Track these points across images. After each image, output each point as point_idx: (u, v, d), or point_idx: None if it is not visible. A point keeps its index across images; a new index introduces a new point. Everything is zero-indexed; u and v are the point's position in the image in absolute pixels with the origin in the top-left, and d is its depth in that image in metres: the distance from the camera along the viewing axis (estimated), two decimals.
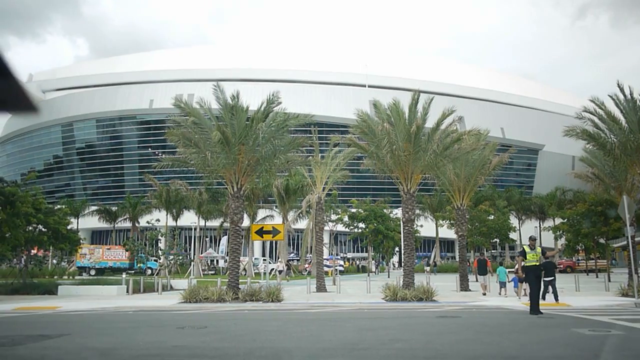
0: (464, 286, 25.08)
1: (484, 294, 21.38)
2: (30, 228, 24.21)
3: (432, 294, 18.82)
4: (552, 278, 18.26)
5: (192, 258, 56.02)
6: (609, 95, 21.41)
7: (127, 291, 24.42)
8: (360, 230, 43.99)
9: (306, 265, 54.76)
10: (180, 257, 35.41)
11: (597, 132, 21.50)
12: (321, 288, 25.37)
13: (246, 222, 52.19)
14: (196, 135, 19.17)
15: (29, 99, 1.59)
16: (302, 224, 51.41)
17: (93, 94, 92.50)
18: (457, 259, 28.18)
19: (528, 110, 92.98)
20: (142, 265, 53.49)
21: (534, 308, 13.08)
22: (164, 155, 78.71)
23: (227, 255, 58.71)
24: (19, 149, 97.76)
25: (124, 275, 26.98)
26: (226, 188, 19.89)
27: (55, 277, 41.12)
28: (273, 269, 49.11)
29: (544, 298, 17.95)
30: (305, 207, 26.77)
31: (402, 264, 20.50)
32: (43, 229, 25.04)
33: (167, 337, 9.27)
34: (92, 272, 54.14)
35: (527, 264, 13.50)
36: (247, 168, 19.66)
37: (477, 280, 23.44)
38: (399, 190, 20.99)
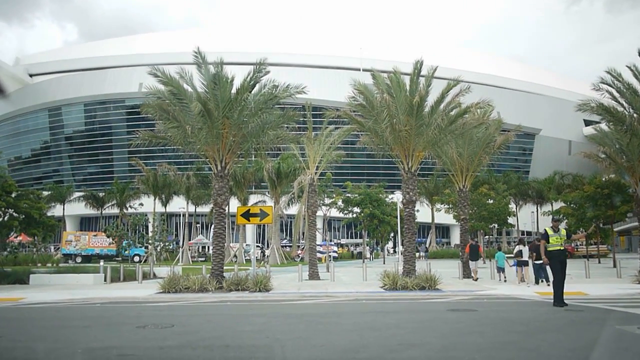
0: (467, 273, 23.44)
1: (475, 279, 20.91)
2: None
3: (435, 282, 17.13)
4: (541, 262, 17.35)
5: (182, 245, 54.28)
6: (627, 67, 19.65)
7: (105, 280, 22.62)
8: (355, 215, 42.27)
9: (299, 252, 53.12)
10: (167, 244, 33.62)
11: (613, 105, 19.73)
12: (314, 275, 23.67)
13: (233, 208, 50.49)
14: (175, 107, 17.24)
15: None
16: (295, 210, 49.73)
17: (81, 78, 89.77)
18: (460, 244, 26.40)
19: (524, 94, 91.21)
20: (128, 252, 51.86)
21: (558, 298, 11.40)
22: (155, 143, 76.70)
23: None
24: (5, 135, 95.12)
25: (101, 263, 25.15)
26: None
27: (39, 264, 39.34)
28: (266, 254, 47.55)
29: (537, 282, 18.72)
30: (297, 190, 24.89)
31: (403, 250, 18.81)
32: (14, 214, 23.13)
33: (117, 341, 7.46)
34: (78, 260, 52.10)
35: (550, 249, 11.78)
36: (232, 144, 17.79)
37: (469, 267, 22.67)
38: (399, 170, 19.27)
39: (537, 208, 69.75)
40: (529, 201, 70.42)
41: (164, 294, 16.39)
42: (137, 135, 18.55)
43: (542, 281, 18.82)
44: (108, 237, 34.83)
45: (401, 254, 47.10)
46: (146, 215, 41.77)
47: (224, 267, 18.25)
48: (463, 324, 8.78)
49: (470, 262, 22.17)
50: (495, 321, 9.18)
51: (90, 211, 68.90)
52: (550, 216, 57.24)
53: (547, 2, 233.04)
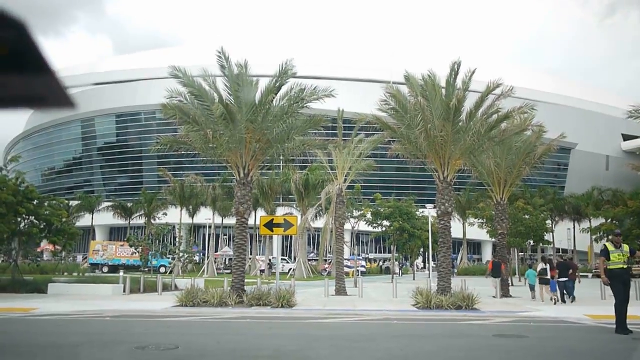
0: (505, 292, 21.86)
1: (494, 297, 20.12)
2: (19, 220, 21.79)
3: (473, 301, 15.70)
4: (567, 279, 18.66)
5: (208, 256, 53.60)
6: None
7: (124, 291, 21.81)
8: (384, 229, 40.78)
9: (325, 266, 51.82)
10: (190, 255, 32.84)
11: None
12: (341, 291, 22.42)
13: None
14: (196, 110, 16.36)
15: (67, 94, 1.48)
16: (323, 223, 48.50)
17: (113, 90, 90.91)
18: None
19: (559, 108, 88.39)
20: (154, 263, 51.36)
21: (621, 325, 9.91)
22: (181, 152, 76.62)
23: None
24: (40, 145, 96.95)
25: (121, 274, 24.41)
26: None
27: (65, 274, 39.03)
28: (291, 269, 46.36)
29: (564, 301, 18.41)
30: (325, 200, 23.72)
31: (437, 266, 17.41)
32: (35, 221, 22.59)
33: None
34: (105, 270, 51.94)
35: (611, 267, 10.31)
36: (257, 151, 16.80)
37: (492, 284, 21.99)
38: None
39: (574, 225, 67.00)
40: (566, 217, 67.67)
41: (181, 308, 15.39)
42: (158, 141, 17.71)
43: (569, 298, 18.95)
44: (131, 247, 34.20)
45: (433, 270, 45.50)
46: (171, 226, 41.00)
47: (248, 281, 17.20)
48: (515, 355, 7.45)
49: (492, 279, 21.67)
50: (552, 352, 7.80)
51: (119, 221, 69.07)
52: (589, 233, 54.72)
53: (581, 16, 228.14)
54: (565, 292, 18.53)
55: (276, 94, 16.30)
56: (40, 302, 17.05)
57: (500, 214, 23.66)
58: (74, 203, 66.03)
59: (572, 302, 18.76)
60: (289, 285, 17.57)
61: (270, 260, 49.74)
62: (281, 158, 19.45)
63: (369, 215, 40.63)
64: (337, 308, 15.67)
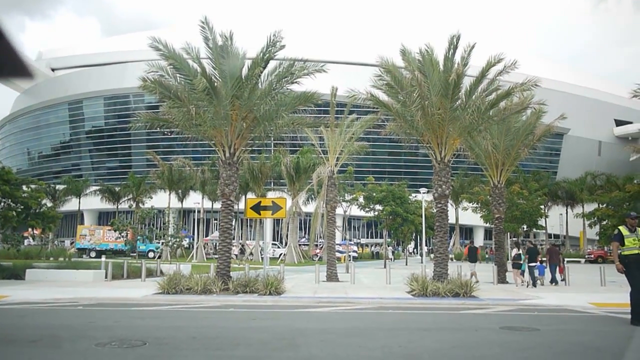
0: (501, 277, 21.12)
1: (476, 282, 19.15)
2: None
3: (471, 288, 14.88)
4: (535, 264, 19.50)
5: (197, 241, 52.68)
6: None
7: (106, 277, 20.85)
8: (376, 213, 39.99)
9: (317, 251, 51.09)
10: (177, 240, 31.95)
11: None
12: (332, 277, 21.60)
13: None
14: (178, 84, 15.27)
15: (24, 62, 1.45)
16: (313, 207, 47.70)
17: (101, 72, 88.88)
18: (495, 246, 24.04)
19: (553, 92, 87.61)
20: (143, 248, 50.32)
21: (637, 316, 9.10)
22: (170, 135, 74.95)
23: (234, 239, 55.59)
24: (27, 128, 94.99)
25: (103, 259, 23.41)
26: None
27: (51, 259, 37.92)
28: (281, 254, 45.55)
29: (534, 285, 18.85)
30: (316, 182, 22.77)
31: (433, 250, 16.61)
32: (11, 204, 21.50)
33: None
34: (93, 254, 50.81)
35: (626, 252, 9.46)
36: (243, 129, 15.76)
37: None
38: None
39: (566, 210, 66.59)
40: (559, 202, 67.19)
41: (161, 296, 14.46)
42: (138, 118, 16.62)
43: (552, 283, 20.06)
44: (115, 231, 33.17)
45: (427, 255, 44.89)
46: (156, 209, 39.95)
47: (235, 266, 16.28)
48: (531, 353, 6.57)
49: (469, 264, 21.94)
50: (571, 349, 6.92)
51: (107, 206, 67.82)
52: (582, 218, 54.20)
53: (574, 3, 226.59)
54: (533, 276, 19.16)
55: (264, 68, 15.22)
56: (13, 289, 16.05)
57: (497, 197, 22.83)
58: (60, 187, 64.71)
59: (554, 285, 19.77)
60: (278, 271, 16.67)
61: (241, 244, 48.84)
62: (270, 138, 18.36)
63: (361, 199, 39.77)
64: (328, 295, 14.79)
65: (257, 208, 15.77)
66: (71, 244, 61.28)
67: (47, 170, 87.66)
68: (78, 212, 66.40)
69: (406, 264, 41.74)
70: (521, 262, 19.46)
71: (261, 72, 15.22)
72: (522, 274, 19.49)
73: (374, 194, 38.30)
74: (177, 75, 15.46)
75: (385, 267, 36.78)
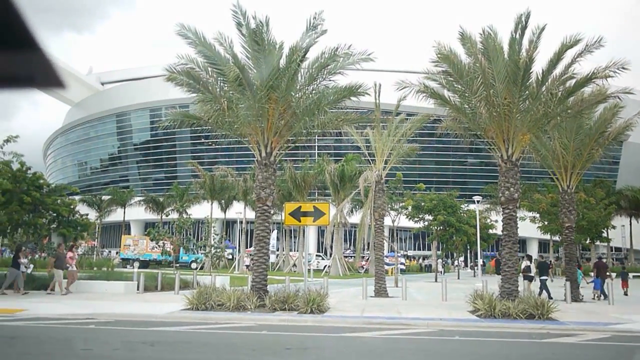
0: (575, 295, 18.52)
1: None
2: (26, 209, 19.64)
3: (549, 309, 12.56)
4: (545, 278, 19.83)
5: (239, 252, 51.45)
6: None
7: (138, 289, 19.50)
8: (426, 224, 37.51)
9: (362, 263, 48.92)
10: (218, 251, 30.59)
11: None
12: (381, 292, 19.53)
13: None
14: (209, 77, 13.72)
15: (57, 73, 1.42)
16: (359, 218, 45.64)
17: (148, 84, 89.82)
18: (563, 259, 21.42)
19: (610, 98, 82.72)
20: (186, 258, 49.45)
21: None
22: (213, 145, 74.45)
23: (278, 250, 54.02)
24: (78, 140, 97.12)
25: (135, 270, 22.18)
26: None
27: (95, 269, 37.34)
28: (326, 265, 43.64)
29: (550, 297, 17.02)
30: (363, 188, 20.80)
31: (502, 264, 14.35)
32: (42, 210, 20.49)
33: None
34: (136, 265, 50.22)
35: None
36: (281, 125, 14.04)
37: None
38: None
39: (630, 221, 61.97)
40: (622, 213, 62.55)
41: (189, 312, 12.79)
42: (165, 119, 15.17)
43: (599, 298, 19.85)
44: (151, 240, 32.12)
45: (473, 267, 41.98)
46: (197, 220, 38.87)
47: (275, 278, 14.51)
48: None
49: (497, 276, 20.98)
50: None
51: (152, 216, 67.78)
52: None
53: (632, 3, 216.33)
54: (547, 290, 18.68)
55: (304, 55, 13.47)
56: (34, 302, 14.80)
57: (567, 204, 20.23)
58: (106, 197, 65.12)
59: (603, 299, 19.31)
60: (321, 286, 14.78)
61: (250, 254, 47.00)
62: (311, 136, 16.51)
63: (409, 209, 37.41)
64: (378, 315, 12.76)
65: (296, 214, 13.96)
66: (117, 254, 61.38)
67: (96, 182, 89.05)
68: (123, 222, 66.54)
69: (458, 278, 39.03)
70: (532, 274, 19.60)
71: (301, 60, 13.47)
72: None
73: (423, 203, 35.90)
74: (208, 66, 13.91)
75: (436, 280, 34.41)
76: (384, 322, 11.59)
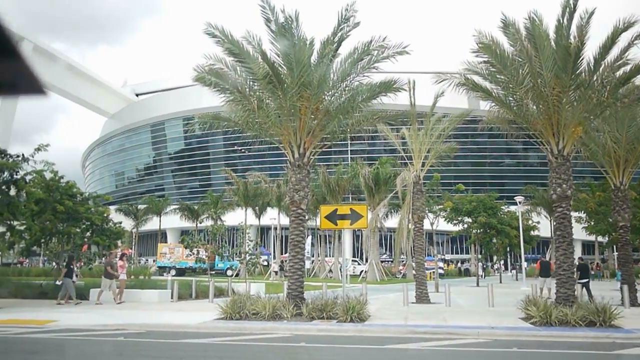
0: (633, 299, 17.22)
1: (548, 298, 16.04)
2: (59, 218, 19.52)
3: (611, 315, 11.48)
4: (587, 280, 18.76)
5: (274, 259, 51.04)
6: None
7: (172, 297, 19.10)
8: (465, 226, 36.22)
9: (400, 267, 47.76)
10: (253, 257, 30.25)
11: None
12: (422, 297, 18.61)
13: None
14: (237, 76, 13.17)
15: (38, 80, 1.46)
16: (396, 222, 44.64)
17: (181, 94, 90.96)
18: (616, 261, 20.05)
19: None
20: (222, 265, 49.29)
21: None
22: (246, 152, 74.39)
23: (312, 256, 53.37)
24: (114, 151, 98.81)
25: (169, 278, 21.84)
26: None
27: (132, 277, 37.42)
28: (362, 271, 42.76)
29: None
30: (401, 189, 19.97)
31: (556, 267, 13.28)
32: (76, 220, 20.34)
33: None
34: (173, 272, 50.35)
35: None
36: (313, 125, 13.38)
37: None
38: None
39: None
40: None
41: (223, 322, 12.19)
42: (196, 121, 14.70)
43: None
44: (185, 248, 31.92)
45: (512, 270, 40.39)
46: (228, 225, 38.63)
47: (311, 284, 13.82)
48: None
49: (540, 279, 21.14)
50: None
51: (187, 224, 68.24)
52: None
53: None
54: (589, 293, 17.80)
55: (336, 49, 12.80)
56: (66, 313, 14.49)
57: (620, 201, 18.90)
58: (142, 206, 65.84)
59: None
60: (360, 293, 14.01)
61: (282, 260, 46.23)
62: (345, 135, 15.75)
63: (448, 211, 36.23)
64: (422, 324, 11.90)
65: (333, 217, 13.23)
66: (153, 262, 61.86)
67: (132, 192, 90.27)
68: (159, 230, 67.15)
69: (500, 282, 37.55)
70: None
71: (333, 55, 12.81)
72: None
73: (462, 206, 34.65)
74: (237, 65, 13.36)
75: (478, 285, 33.11)
76: (430, 332, 10.73)
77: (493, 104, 14.41)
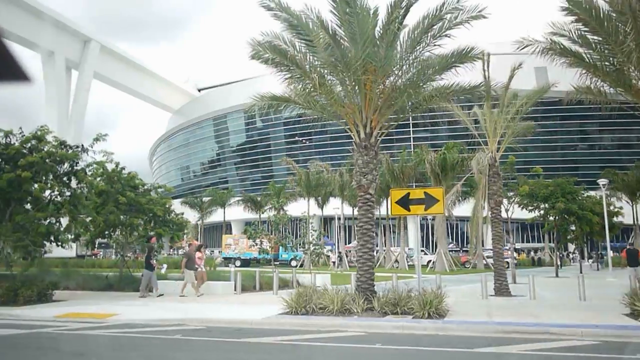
0: None
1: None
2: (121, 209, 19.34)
3: None
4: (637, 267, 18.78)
5: (338, 249, 50.21)
6: None
7: (235, 289, 18.51)
8: (541, 212, 33.74)
9: (468, 257, 45.65)
10: (317, 248, 29.45)
11: None
12: (502, 290, 17.05)
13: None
14: (295, 52, 12.12)
15: (21, 67, 1.46)
16: (462, 210, 42.55)
17: (242, 87, 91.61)
18: None
19: None
20: (286, 256, 48.99)
21: None
22: (307, 142, 73.79)
23: (377, 246, 52.15)
24: (179, 145, 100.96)
25: (232, 269, 21.29)
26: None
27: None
28: (429, 260, 41.14)
29: None
30: (477, 172, 18.40)
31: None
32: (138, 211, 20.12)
33: None
34: (238, 263, 50.67)
35: None
36: (380, 100, 12.16)
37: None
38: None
39: None
40: None
41: (288, 317, 11.27)
42: (253, 104, 13.81)
43: None
44: (249, 238, 31.54)
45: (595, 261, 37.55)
46: (290, 215, 38.14)
47: (379, 275, 12.68)
48: None
49: (629, 268, 19.97)
50: None
51: (250, 215, 68.68)
52: None
53: None
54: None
55: (404, 16, 11.50)
56: (127, 305, 14.09)
57: None
58: (206, 199, 66.83)
59: None
60: (437, 285, 12.73)
61: (339, 251, 44.75)
62: (415, 112, 14.38)
63: (521, 197, 33.90)
64: (510, 320, 10.48)
65: (405, 202, 11.98)
66: (219, 253, 62.63)
67: (197, 185, 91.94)
68: (224, 222, 67.95)
69: (581, 272, 34.93)
70: None
71: (400, 23, 11.51)
72: None
73: (538, 190, 32.22)
74: (295, 41, 12.30)
75: (557, 275, 30.83)
76: (523, 330, 9.33)
77: (584, 72, 12.65)
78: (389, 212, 28.48)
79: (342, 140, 76.40)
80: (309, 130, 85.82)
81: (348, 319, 10.84)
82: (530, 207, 33.64)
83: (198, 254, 18.50)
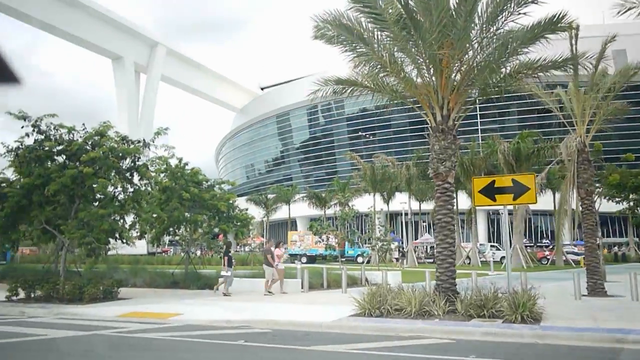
0: None
1: None
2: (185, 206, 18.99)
3: None
4: None
5: (407, 245, 48.72)
6: None
7: (302, 287, 17.72)
8: (631, 204, 30.98)
9: (547, 253, 42.93)
10: (385, 244, 28.27)
11: None
12: (597, 289, 15.25)
13: (464, 204, 42.46)
14: (361, 29, 11.02)
15: (11, 69, 1.45)
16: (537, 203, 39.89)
17: (303, 83, 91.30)
18: None
19: None
20: (352, 252, 48.04)
21: None
22: (370, 137, 72.47)
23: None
24: (243, 143, 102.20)
25: (298, 267, 20.52)
26: None
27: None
28: (502, 257, 38.88)
29: None
30: (566, 157, 16.60)
31: None
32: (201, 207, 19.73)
33: None
34: (304, 260, 50.19)
35: None
36: (457, 78, 10.88)
37: None
38: None
39: None
40: None
41: (360, 319, 10.23)
42: (318, 89, 12.87)
43: None
44: (314, 234, 30.78)
45: None
46: (357, 211, 36.94)
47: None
48: None
49: None
50: None
51: (315, 212, 68.21)
52: None
53: None
54: None
55: None
56: (192, 304, 13.56)
57: None
58: (271, 196, 66.96)
59: None
60: (525, 284, 11.31)
61: (477, 247, 42.70)
62: (496, 92, 12.93)
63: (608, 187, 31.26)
64: (622, 327, 8.97)
65: (489, 191, 10.64)
66: (285, 249, 62.50)
67: (262, 183, 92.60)
68: (289, 219, 67.87)
69: None
70: None
71: None
72: None
73: (627, 180, 29.57)
74: (362, 18, 11.20)
75: None
76: None
77: None
78: (472, 201, 26.94)
79: (406, 134, 74.49)
80: (372, 125, 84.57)
81: (428, 323, 9.68)
82: (617, 199, 30.94)
83: (277, 252, 17.76)
